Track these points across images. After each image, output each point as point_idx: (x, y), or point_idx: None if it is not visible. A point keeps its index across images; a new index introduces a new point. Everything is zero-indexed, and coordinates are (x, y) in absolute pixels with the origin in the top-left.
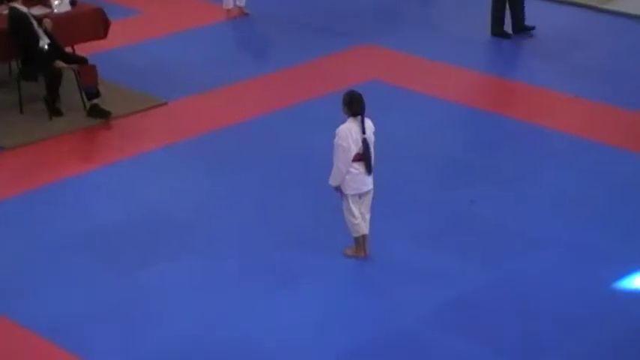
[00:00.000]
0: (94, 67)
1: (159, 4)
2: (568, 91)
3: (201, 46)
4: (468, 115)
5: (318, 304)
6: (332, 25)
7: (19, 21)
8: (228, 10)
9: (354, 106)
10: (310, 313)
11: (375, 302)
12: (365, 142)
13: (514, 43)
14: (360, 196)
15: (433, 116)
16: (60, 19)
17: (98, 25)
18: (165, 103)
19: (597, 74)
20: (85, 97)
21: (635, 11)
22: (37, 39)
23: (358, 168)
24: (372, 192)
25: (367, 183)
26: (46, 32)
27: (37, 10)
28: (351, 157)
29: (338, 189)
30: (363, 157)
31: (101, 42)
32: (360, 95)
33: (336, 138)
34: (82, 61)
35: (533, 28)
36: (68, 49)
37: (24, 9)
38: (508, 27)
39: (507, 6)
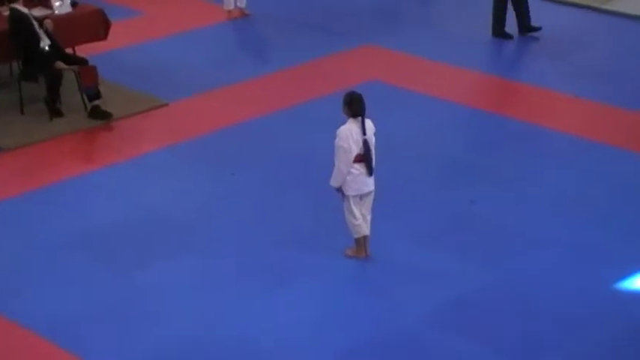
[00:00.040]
0: (94, 68)
1: (160, 5)
2: (568, 91)
3: (202, 46)
4: (468, 115)
5: (317, 304)
6: (333, 25)
7: (20, 22)
8: (229, 11)
9: (355, 106)
10: (308, 312)
11: (375, 302)
12: (366, 143)
13: (514, 43)
14: (361, 197)
15: (433, 116)
16: (61, 20)
17: (99, 26)
18: (166, 104)
19: (598, 74)
20: (85, 99)
21: (635, 11)
22: (37, 40)
23: (359, 169)
24: (373, 193)
25: (368, 184)
26: (46, 33)
27: (38, 11)
28: (352, 158)
29: (339, 190)
30: (364, 158)
31: (102, 43)
32: (360, 96)
33: (337, 139)
34: (82, 62)
35: (539, 28)
36: (69, 50)
37: (25, 10)
38: (510, 28)
39: (511, 7)
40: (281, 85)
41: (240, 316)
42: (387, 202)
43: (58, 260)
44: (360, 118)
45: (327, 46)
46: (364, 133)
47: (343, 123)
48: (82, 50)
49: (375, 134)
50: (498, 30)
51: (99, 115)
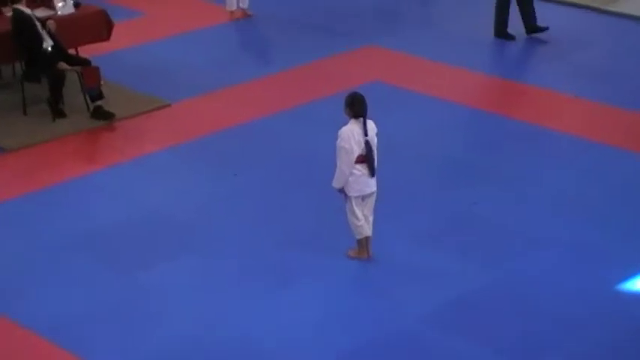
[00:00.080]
0: (97, 68)
1: (162, 6)
2: (569, 91)
3: (205, 47)
4: (468, 115)
5: (318, 304)
6: (334, 26)
7: (22, 22)
8: (232, 12)
9: (356, 107)
10: (310, 313)
11: (375, 302)
12: (367, 144)
13: (515, 43)
14: (364, 198)
15: (434, 117)
16: (63, 21)
17: (102, 27)
18: (169, 105)
19: (598, 75)
20: (88, 99)
21: (636, 12)
22: (40, 41)
23: (361, 170)
24: (375, 194)
25: (370, 185)
26: (49, 34)
27: (41, 12)
28: (354, 159)
29: (342, 191)
30: (366, 158)
31: (104, 43)
32: (362, 97)
33: (339, 140)
34: (85, 62)
35: (546, 28)
36: (71, 51)
37: (28, 11)
38: (512, 29)
39: (517, 7)
40: (283, 85)
41: (243, 317)
42: (388, 202)
43: (61, 261)
44: (361, 118)
45: (329, 47)
46: (366, 134)
47: (345, 124)
48: (85, 51)
49: (376, 135)
50: (500, 31)
51: (101, 115)
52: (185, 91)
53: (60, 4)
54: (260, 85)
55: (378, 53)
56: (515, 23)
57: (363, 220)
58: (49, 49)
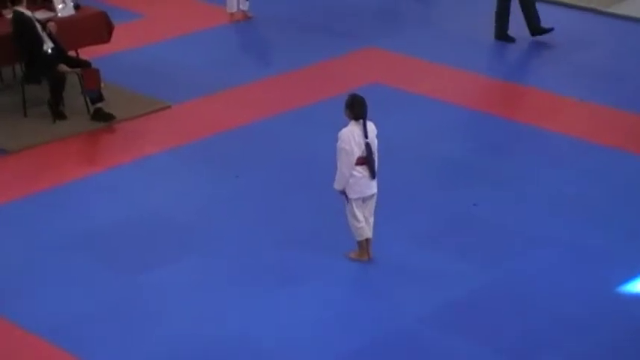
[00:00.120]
0: (97, 71)
1: (162, 8)
2: (569, 93)
3: (205, 49)
4: (468, 117)
5: (318, 304)
6: (335, 27)
7: (23, 24)
8: (232, 14)
9: (356, 109)
10: (310, 313)
11: (375, 302)
12: (368, 146)
13: (516, 45)
14: (364, 200)
15: (433, 118)
16: (64, 23)
17: (102, 28)
18: (169, 107)
19: (599, 77)
20: (88, 101)
21: (638, 14)
22: (41, 43)
23: (362, 172)
24: (375, 196)
25: (371, 187)
26: (50, 36)
27: (42, 14)
28: (354, 161)
29: (343, 193)
30: (366, 160)
31: (105, 45)
32: (362, 99)
33: (339, 141)
34: (85, 64)
35: (551, 29)
36: (72, 53)
37: (28, 13)
38: (512, 32)
39: (516, 10)
40: (283, 87)
41: (242, 317)
42: (387, 203)
43: (60, 261)
44: (361, 120)
45: (330, 48)
46: (366, 136)
47: (345, 125)
48: (85, 53)
49: (377, 136)
50: (501, 33)
51: (102, 117)
52: (185, 93)
53: (60, 6)
54: (260, 86)
55: (378, 55)
56: (516, 26)
57: (363, 222)
58: (50, 51)
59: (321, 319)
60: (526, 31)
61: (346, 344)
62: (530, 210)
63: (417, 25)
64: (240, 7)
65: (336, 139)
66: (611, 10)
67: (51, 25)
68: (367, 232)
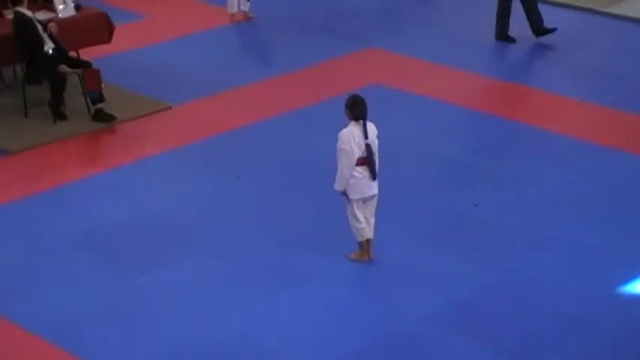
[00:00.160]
0: (97, 71)
1: (162, 8)
2: (570, 93)
3: (206, 49)
4: (468, 117)
5: (319, 305)
6: (336, 28)
7: (24, 25)
8: (233, 15)
9: (357, 109)
10: (310, 313)
11: (376, 303)
12: (368, 147)
13: (516, 46)
14: (365, 200)
15: (434, 119)
16: (65, 24)
17: (103, 29)
18: (170, 107)
19: (599, 77)
20: (89, 102)
21: (637, 14)
22: (41, 43)
23: (362, 172)
24: (376, 197)
25: (372, 188)
26: (50, 36)
27: (42, 15)
28: (354, 161)
29: (344, 194)
30: (367, 161)
31: (105, 46)
32: (362, 99)
33: (339, 142)
34: (86, 65)
35: (554, 29)
36: (72, 54)
37: (29, 13)
38: (514, 32)
39: (516, 11)
40: (284, 88)
41: (243, 318)
42: (388, 204)
43: (61, 261)
44: (361, 121)
45: (331, 49)
46: (366, 137)
47: (345, 126)
48: (86, 53)
49: (377, 137)
50: (502, 33)
51: (102, 118)
52: (186, 94)
53: (61, 7)
54: (261, 87)
55: (379, 55)
56: (516, 26)
57: (364, 223)
58: (50, 51)
59: (322, 320)
60: (527, 32)
61: (347, 345)
62: (530, 210)
63: (418, 25)
64: (241, 7)
65: (336, 140)
66: (609, 10)
67: (52, 26)
68: (368, 232)
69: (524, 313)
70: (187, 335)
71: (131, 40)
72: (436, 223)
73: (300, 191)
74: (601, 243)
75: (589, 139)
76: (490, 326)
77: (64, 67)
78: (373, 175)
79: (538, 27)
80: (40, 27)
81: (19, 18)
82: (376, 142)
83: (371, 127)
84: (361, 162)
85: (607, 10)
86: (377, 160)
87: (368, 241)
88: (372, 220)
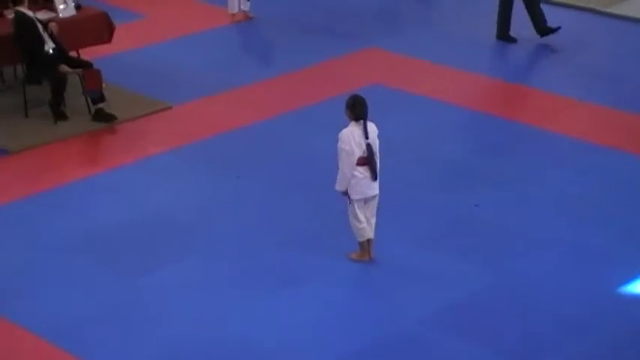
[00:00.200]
0: (98, 71)
1: (163, 8)
2: (570, 93)
3: (206, 49)
4: (469, 117)
5: (319, 306)
6: (336, 28)
7: (24, 25)
8: (233, 15)
9: (357, 109)
10: (311, 314)
11: (376, 304)
12: (369, 147)
13: (517, 46)
14: (366, 201)
15: (435, 119)
16: (65, 24)
17: (103, 29)
18: (170, 107)
19: (600, 77)
20: (89, 102)
21: (638, 14)
22: (42, 43)
23: (363, 172)
24: (377, 197)
25: (373, 188)
26: (51, 36)
27: (43, 14)
28: (355, 161)
29: (345, 194)
30: (367, 161)
31: (106, 46)
32: (362, 99)
33: (339, 142)
34: (86, 65)
35: (557, 29)
36: (73, 54)
37: (30, 13)
38: (515, 32)
39: (517, 11)
40: (285, 88)
41: (243, 318)
42: (388, 204)
43: (61, 262)
44: (362, 121)
45: (331, 49)
46: (367, 137)
47: (346, 126)
48: (86, 53)
49: (378, 136)
50: (503, 33)
51: (103, 117)
52: (186, 94)
53: (61, 7)
54: (261, 87)
55: (379, 55)
56: (517, 26)
57: (365, 223)
58: (51, 51)
59: (322, 320)
60: (527, 32)
61: (347, 345)
62: (531, 211)
63: (418, 25)
64: (242, 7)
65: (337, 140)
66: (610, 10)
67: (52, 26)
68: (368, 232)
69: (525, 314)
70: (187, 336)
71: (132, 39)
72: (436, 224)
73: (301, 191)
74: (603, 243)
75: (589, 139)
76: (490, 327)
77: (64, 67)
78: (374, 176)
79: (542, 27)
80: (40, 27)
81: (20, 18)
82: (377, 141)
83: (371, 127)
84: (362, 162)
85: (608, 10)
86: (378, 160)
87: (369, 241)
88: (373, 221)
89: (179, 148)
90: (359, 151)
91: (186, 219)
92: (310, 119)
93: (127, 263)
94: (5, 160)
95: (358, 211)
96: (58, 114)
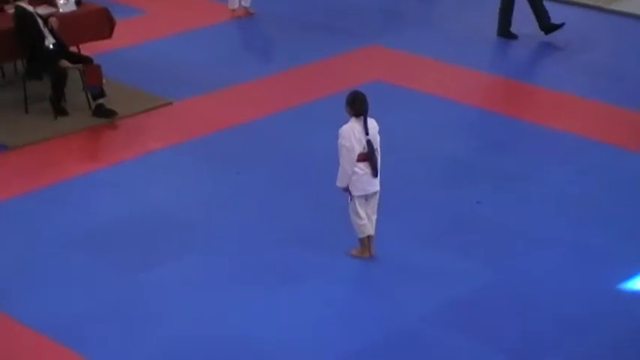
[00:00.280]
0: (98, 67)
1: (163, 4)
2: (572, 90)
3: (206, 45)
4: (470, 114)
5: (319, 303)
6: (336, 24)
7: (24, 20)
8: (234, 10)
9: (357, 106)
10: (311, 311)
11: (376, 301)
12: (370, 143)
13: (518, 42)
14: (367, 197)
15: (436, 116)
16: (65, 19)
17: (103, 24)
18: (171, 103)
19: (601, 74)
20: (90, 97)
21: (639, 11)
22: (42, 38)
23: (363, 168)
24: (378, 193)
25: (373, 184)
26: (51, 31)
27: (43, 9)
28: (355, 157)
29: (347, 190)
30: (368, 157)
31: (106, 41)
32: (363, 95)
33: (340, 138)
34: (87, 60)
35: (562, 24)
36: (73, 49)
37: (30, 8)
38: (516, 29)
39: (517, 8)
40: (285, 84)
41: (244, 316)
42: (389, 201)
43: (62, 259)
44: (362, 117)
45: (331, 46)
46: (367, 133)
47: (346, 122)
48: (87, 49)
49: (378, 133)
50: (503, 30)
51: (103, 113)
52: (187, 89)
53: (62, 2)
54: (262, 83)
55: (380, 52)
56: (518, 23)
57: (365, 220)
58: (51, 46)
59: (322, 318)
60: (529, 28)
61: (347, 343)
62: (533, 209)
63: (419, 22)
64: (242, 3)
65: (337, 137)
66: (612, 7)
67: (52, 21)
68: (369, 229)
69: (525, 313)
70: (187, 334)
71: (132, 35)
72: (438, 221)
73: (301, 188)
74: (604, 242)
75: (592, 136)
76: (491, 325)
77: (64, 63)
78: (375, 172)
79: (545, 24)
80: (40, 22)
81: (20, 12)
82: (377, 138)
83: (372, 123)
84: (362, 158)
85: (610, 7)
86: (378, 157)
87: (369, 237)
88: (374, 217)
89: (179, 143)
90: (359, 148)
91: (186, 215)
92: (310, 116)
93: (127, 259)
94: (5, 155)
95: (359, 208)
96: (59, 109)
